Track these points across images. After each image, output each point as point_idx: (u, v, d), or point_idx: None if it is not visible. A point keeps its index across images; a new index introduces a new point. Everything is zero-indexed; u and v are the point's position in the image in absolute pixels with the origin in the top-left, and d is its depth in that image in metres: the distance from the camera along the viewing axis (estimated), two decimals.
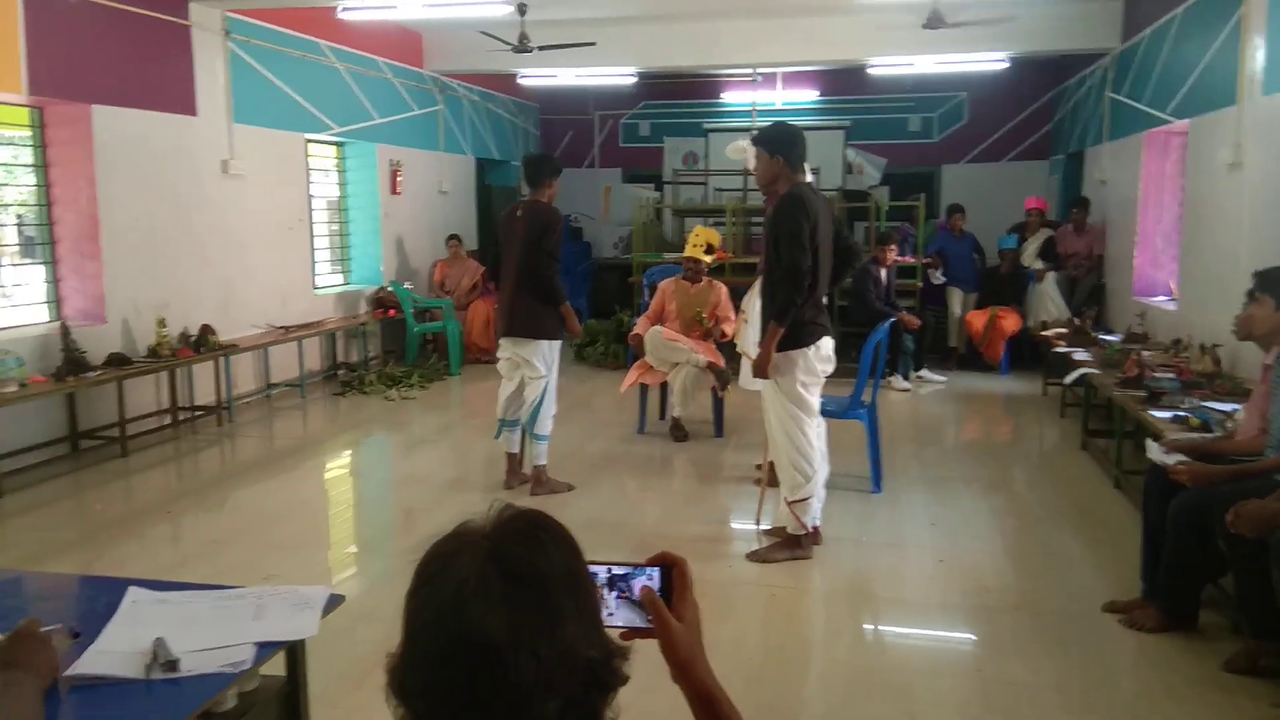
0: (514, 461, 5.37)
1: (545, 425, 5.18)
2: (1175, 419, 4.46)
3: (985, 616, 3.76)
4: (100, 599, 1.79)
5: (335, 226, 9.37)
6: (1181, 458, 3.57)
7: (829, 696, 3.18)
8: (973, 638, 3.60)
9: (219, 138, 7.22)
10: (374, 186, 9.43)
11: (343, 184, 9.45)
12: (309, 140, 8.53)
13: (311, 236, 8.63)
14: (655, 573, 1.14)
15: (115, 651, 1.57)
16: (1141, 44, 7.73)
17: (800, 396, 4.19)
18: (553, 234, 5.03)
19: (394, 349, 9.53)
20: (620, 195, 12.94)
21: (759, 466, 5.51)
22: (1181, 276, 6.90)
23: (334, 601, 1.80)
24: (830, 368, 4.29)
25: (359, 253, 9.54)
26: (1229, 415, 4.34)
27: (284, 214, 8.10)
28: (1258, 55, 5.31)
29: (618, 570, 1.12)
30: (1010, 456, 6.45)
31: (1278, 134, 5.08)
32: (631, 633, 1.09)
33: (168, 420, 6.75)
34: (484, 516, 0.96)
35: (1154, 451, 3.75)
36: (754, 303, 5.17)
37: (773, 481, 4.75)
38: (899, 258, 8.71)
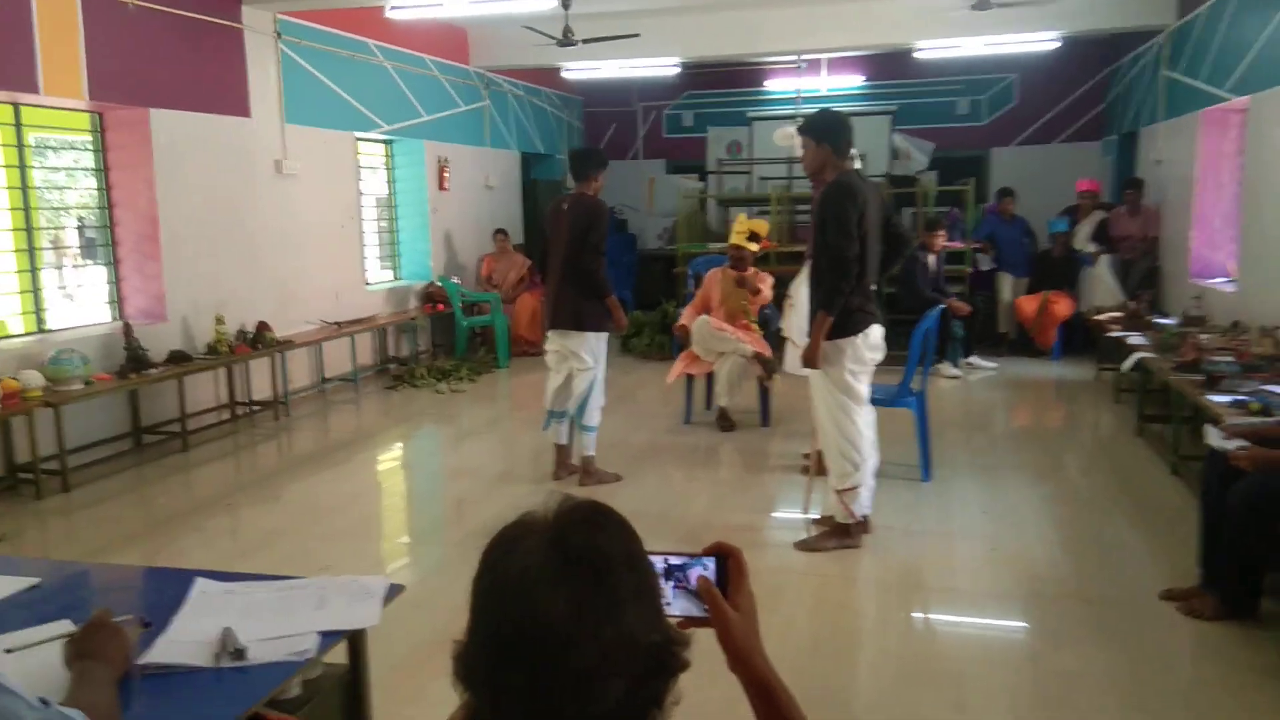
0: (562, 453, 5.42)
1: (593, 416, 5.23)
2: (1235, 403, 4.36)
3: (1038, 605, 3.72)
4: (168, 590, 1.86)
5: (385, 223, 9.52)
6: (1242, 443, 3.49)
7: (879, 685, 3.18)
8: (1025, 626, 3.57)
9: (272, 138, 7.37)
10: (422, 183, 9.55)
11: (391, 181, 9.58)
12: (359, 139, 8.66)
13: (362, 234, 8.78)
14: (711, 562, 1.15)
15: (185, 641, 1.63)
16: (1198, 19, 7.52)
17: (849, 385, 4.17)
18: (598, 227, 5.06)
19: (443, 343, 9.66)
20: (665, 186, 12.95)
21: (806, 455, 5.49)
22: (1241, 257, 6.73)
23: (394, 591, 1.85)
24: (880, 356, 4.27)
25: (408, 249, 9.68)
26: None
27: (336, 212, 8.25)
28: None
29: (674, 560, 1.13)
30: (1063, 443, 6.35)
31: None
32: (688, 622, 1.10)
33: (226, 415, 6.93)
34: (545, 506, 0.99)
35: (1213, 437, 3.67)
36: (801, 289, 5.15)
37: (821, 470, 4.74)
38: (948, 243, 8.60)
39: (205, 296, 6.69)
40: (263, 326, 6.91)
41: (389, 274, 9.52)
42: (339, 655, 1.89)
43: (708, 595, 1.12)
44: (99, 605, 1.65)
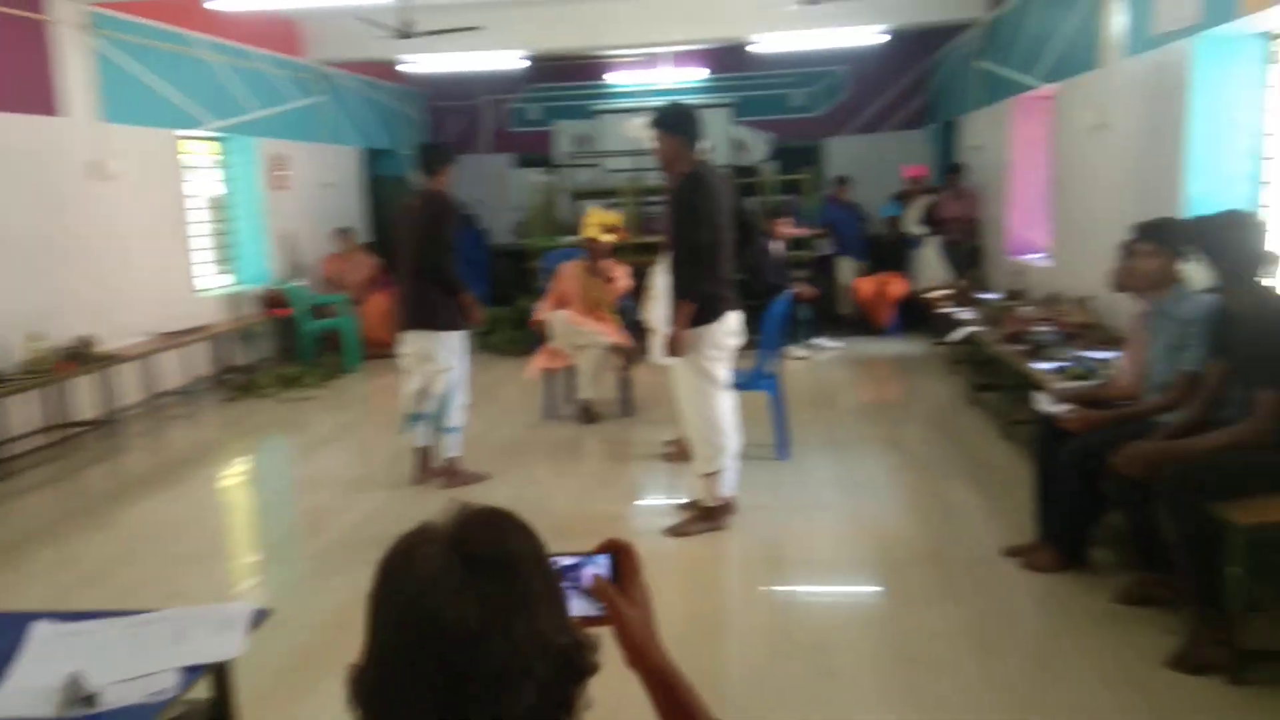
0: (423, 456, 5.29)
1: (455, 417, 5.13)
2: (1057, 370, 4.72)
3: (894, 569, 3.92)
4: (2, 638, 1.70)
5: (218, 225, 9.00)
6: (1069, 406, 3.78)
7: (752, 659, 3.26)
8: (884, 590, 3.76)
9: (88, 137, 6.83)
10: (257, 182, 9.08)
11: (223, 181, 9.07)
12: (185, 137, 8.15)
13: (192, 238, 8.27)
14: (604, 560, 1.14)
15: (28, 690, 1.49)
16: (1009, 12, 8.05)
17: (710, 371, 4.26)
18: (447, 222, 4.96)
19: (287, 349, 9.23)
20: (514, 180, 12.81)
21: (669, 443, 5.59)
22: (1052, 235, 7.26)
23: (259, 617, 1.75)
24: (737, 341, 4.38)
25: (244, 251, 9.19)
26: (1106, 363, 4.62)
27: (162, 215, 7.75)
28: (1117, 20, 5.60)
29: (566, 561, 1.11)
30: (905, 415, 6.70)
31: (1138, 95, 5.38)
32: (585, 622, 1.09)
33: (49, 439, 6.39)
34: (440, 514, 0.95)
35: (1043, 402, 3.96)
36: (661, 280, 5.21)
37: (685, 456, 4.82)
38: (791, 230, 8.90)
39: (18, 310, 6.13)
40: (86, 340, 6.41)
41: (224, 279, 9.02)
42: (201, 689, 1.78)
43: (603, 594, 1.11)
44: None
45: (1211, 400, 3.26)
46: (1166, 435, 3.24)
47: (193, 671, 1.59)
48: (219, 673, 1.76)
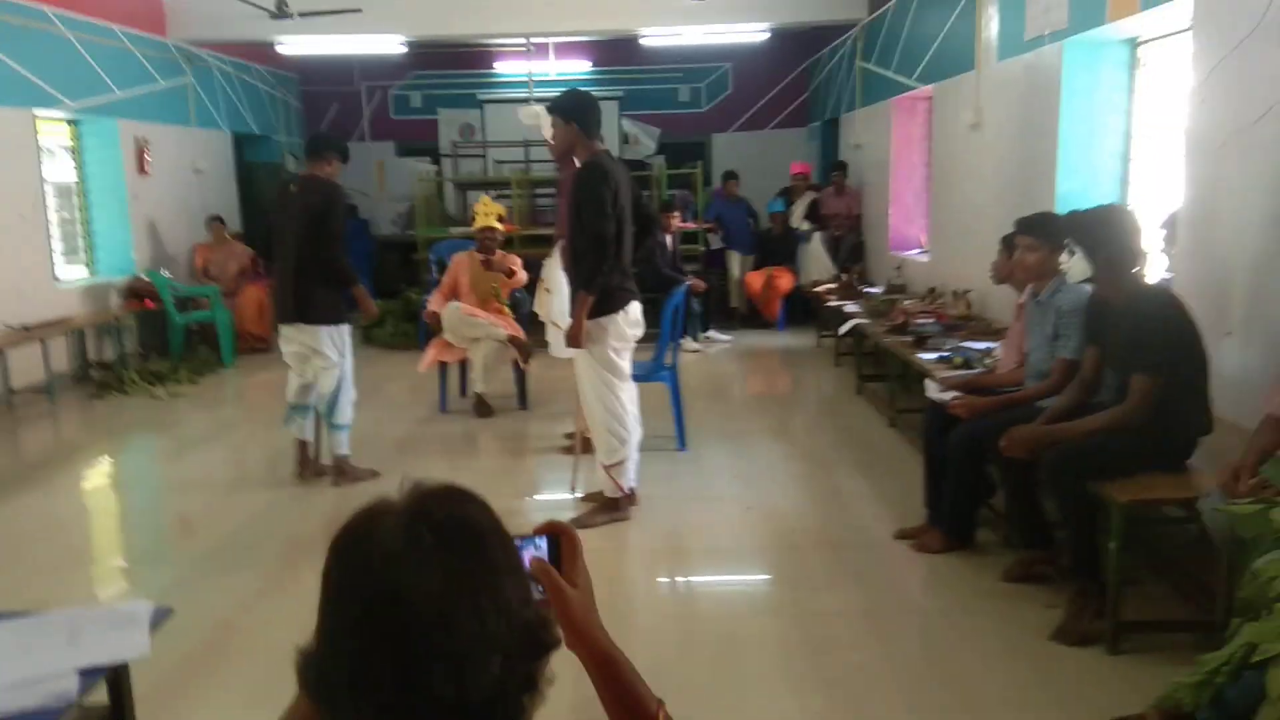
0: (306, 450, 5.08)
1: (344, 414, 4.95)
2: (940, 359, 4.92)
3: (793, 555, 4.00)
4: None
5: (75, 213, 8.43)
6: (956, 394, 3.94)
7: (658, 647, 3.26)
8: (784, 576, 3.83)
9: None
10: (119, 166, 8.55)
11: (81, 165, 8.50)
12: (39, 117, 7.59)
13: (50, 224, 7.72)
14: (543, 541, 1.12)
15: None
16: (887, 15, 8.33)
17: (613, 362, 4.24)
18: (335, 211, 4.77)
19: (155, 343, 8.73)
20: (395, 169, 12.49)
21: (568, 436, 5.55)
22: (931, 230, 7.57)
23: (160, 615, 1.64)
24: (639, 332, 4.38)
25: (105, 240, 8.64)
26: (986, 353, 4.84)
27: (14, 200, 7.19)
28: (992, 24, 5.88)
29: None
30: (796, 406, 6.87)
31: (1011, 96, 5.65)
32: None
33: None
34: (393, 491, 0.91)
35: (931, 390, 4.12)
36: (555, 272, 5.15)
37: (585, 449, 4.80)
38: (681, 224, 8.98)
39: None
40: None
41: (83, 269, 8.46)
42: (95, 695, 1.65)
43: (543, 574, 1.09)
44: None
45: (1088, 385, 3.45)
46: (1047, 419, 3.42)
47: (93, 674, 1.47)
48: (115, 676, 1.64)
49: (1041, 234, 3.74)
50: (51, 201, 7.97)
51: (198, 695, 3.00)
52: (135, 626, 1.59)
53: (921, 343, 5.36)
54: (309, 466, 5.08)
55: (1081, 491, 3.12)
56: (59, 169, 8.25)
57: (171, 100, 9.40)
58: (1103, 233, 3.19)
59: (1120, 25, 4.46)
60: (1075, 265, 3.43)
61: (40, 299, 7.35)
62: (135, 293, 8.46)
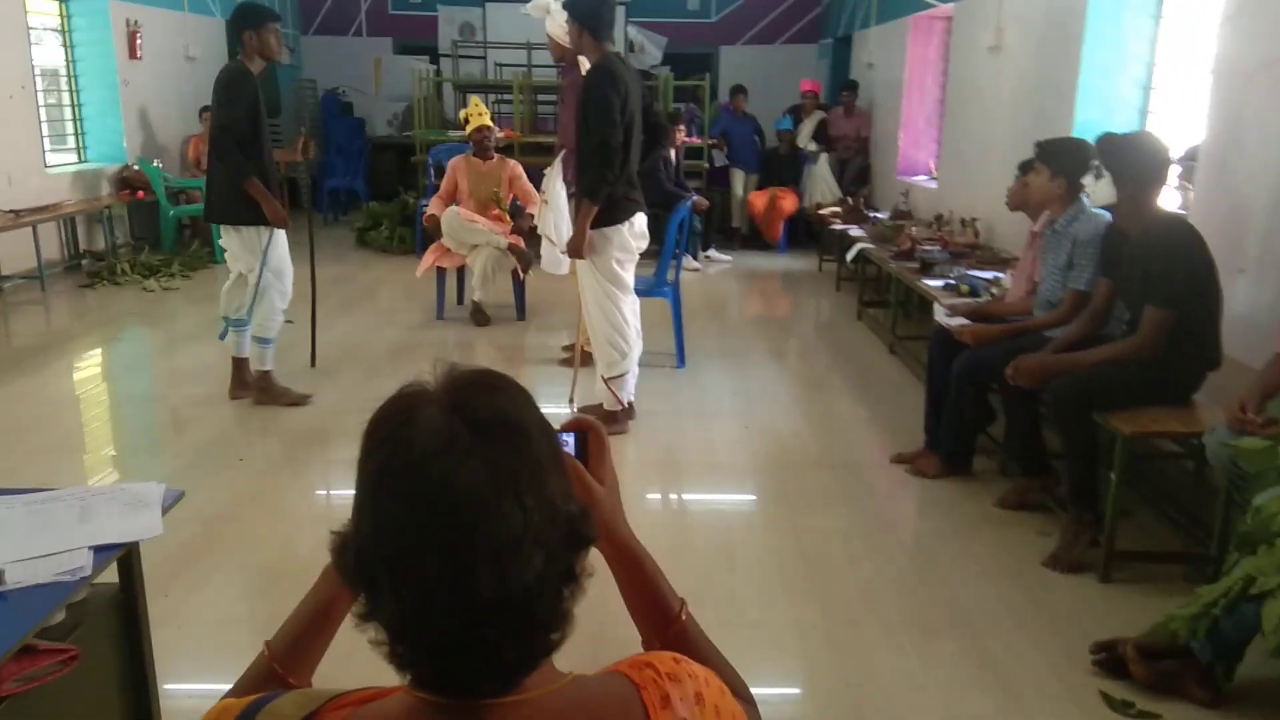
0: (241, 367, 4.75)
1: (265, 326, 4.56)
2: (946, 286, 4.88)
3: (789, 475, 4.02)
4: None
5: (66, 96, 8.19)
6: (963, 320, 3.91)
7: (658, 557, 3.29)
8: (781, 495, 3.85)
9: None
10: (109, 50, 8.27)
11: (69, 46, 8.21)
12: None
13: (39, 107, 7.50)
14: (570, 438, 1.10)
15: None
16: None
17: (616, 274, 4.19)
18: (224, 97, 4.22)
19: (146, 235, 8.60)
20: (393, 68, 12.13)
21: (566, 348, 5.52)
22: (941, 156, 7.44)
23: (171, 497, 1.62)
24: (644, 244, 4.31)
25: (95, 125, 8.41)
26: (993, 281, 4.80)
27: (7, 81, 6.96)
28: None
29: None
30: (796, 329, 6.84)
31: (1034, 18, 5.49)
32: None
33: None
34: (427, 376, 0.87)
35: (940, 315, 4.09)
36: (555, 184, 5.04)
37: (584, 361, 4.77)
38: (686, 139, 8.80)
39: None
40: None
41: (73, 156, 8.26)
42: (104, 575, 1.64)
43: (573, 471, 1.06)
44: None
45: (1099, 317, 3.42)
46: (1056, 349, 3.40)
47: (107, 551, 1.46)
48: (126, 557, 1.63)
49: (1058, 160, 3.66)
50: (39, 85, 7.73)
51: (197, 579, 3.02)
52: (147, 507, 1.57)
53: (927, 269, 5.30)
54: (242, 383, 4.73)
55: (1086, 421, 3.12)
56: (47, 52, 7.98)
57: None
58: (1134, 158, 3.12)
59: None
60: (1100, 189, 3.37)
61: (30, 185, 7.19)
62: (127, 182, 8.28)
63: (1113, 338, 3.37)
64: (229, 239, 4.51)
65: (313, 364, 5.22)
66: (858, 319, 6.70)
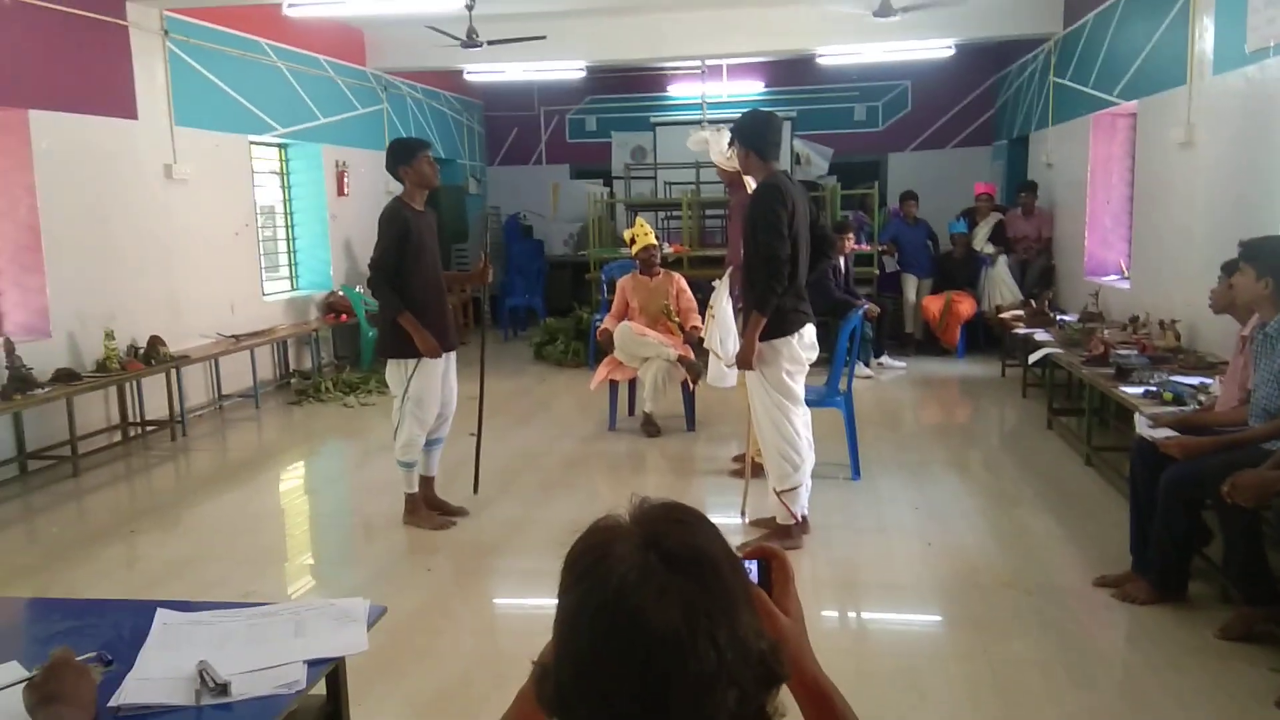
0: (426, 486, 4.82)
1: (406, 450, 4.61)
2: (1147, 394, 4.55)
3: (980, 597, 3.78)
4: (124, 624, 1.68)
5: (279, 231, 9.12)
6: (1169, 432, 3.63)
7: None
8: (970, 619, 3.62)
9: (161, 141, 6.95)
10: (320, 188, 9.20)
11: (287, 186, 9.19)
12: (253, 142, 8.27)
13: (259, 241, 8.39)
14: (754, 566, 1.08)
15: (158, 678, 1.46)
16: (1085, 28, 7.88)
17: (786, 385, 4.17)
18: (381, 232, 4.39)
19: (347, 354, 9.31)
20: (569, 191, 12.85)
21: (736, 459, 5.49)
22: (1134, 255, 7.06)
23: (376, 613, 1.71)
24: (814, 355, 4.28)
25: (306, 256, 9.30)
26: (1200, 388, 4.45)
27: (230, 218, 7.86)
28: (1207, 36, 5.44)
29: None
30: (979, 438, 6.54)
31: (1228, 112, 5.21)
32: None
33: (119, 437, 6.48)
34: (621, 510, 0.90)
35: (1142, 426, 3.81)
36: (722, 300, 5.13)
37: (754, 473, 4.73)
38: (855, 245, 8.79)
39: (92, 310, 6.24)
40: (155, 341, 6.49)
41: (286, 284, 9.13)
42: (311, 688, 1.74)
43: (760, 604, 1.04)
44: (52, 644, 1.46)
45: None
46: (1277, 463, 3.09)
47: (318, 665, 1.55)
48: (334, 670, 1.72)
49: (1265, 260, 3.40)
50: (265, 220, 8.66)
51: (389, 688, 3.12)
52: (354, 622, 1.66)
53: (1124, 375, 4.98)
54: (413, 511, 4.75)
55: None
56: (266, 192, 8.95)
57: (368, 125, 10.03)
58: None
59: None
60: None
61: (250, 311, 7.97)
62: (332, 307, 9.05)
63: None
64: (388, 369, 4.65)
65: (475, 490, 5.14)
66: (1048, 428, 6.33)
